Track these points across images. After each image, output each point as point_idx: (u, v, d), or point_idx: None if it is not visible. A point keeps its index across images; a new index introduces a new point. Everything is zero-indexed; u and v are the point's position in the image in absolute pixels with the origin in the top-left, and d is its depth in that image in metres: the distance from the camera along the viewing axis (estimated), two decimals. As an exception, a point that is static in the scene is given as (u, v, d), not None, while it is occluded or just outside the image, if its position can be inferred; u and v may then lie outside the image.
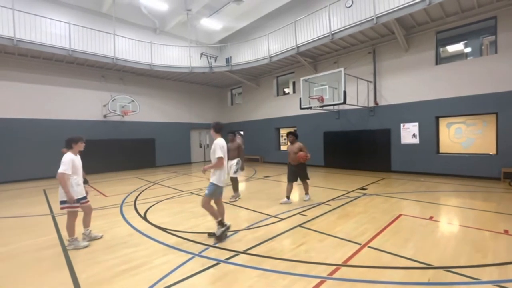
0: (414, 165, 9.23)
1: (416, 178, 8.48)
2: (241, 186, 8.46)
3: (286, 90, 17.56)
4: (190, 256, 3.27)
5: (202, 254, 3.32)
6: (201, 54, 13.88)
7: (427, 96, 8.92)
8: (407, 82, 9.39)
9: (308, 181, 6.05)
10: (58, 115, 11.23)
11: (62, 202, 3.60)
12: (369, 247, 3.38)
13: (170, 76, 14.44)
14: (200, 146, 17.11)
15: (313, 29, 10.96)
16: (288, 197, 5.80)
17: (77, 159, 3.78)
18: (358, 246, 3.40)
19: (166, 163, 14.46)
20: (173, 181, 9.32)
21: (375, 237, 3.70)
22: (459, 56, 11.14)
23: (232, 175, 6.26)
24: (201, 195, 6.80)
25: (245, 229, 4.21)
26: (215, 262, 3.09)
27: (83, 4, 12.01)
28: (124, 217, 5.04)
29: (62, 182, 3.47)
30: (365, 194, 6.45)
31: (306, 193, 6.03)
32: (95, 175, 11.05)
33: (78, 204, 3.69)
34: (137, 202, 6.30)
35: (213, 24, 14.79)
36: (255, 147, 15.62)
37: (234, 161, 6.31)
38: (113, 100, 12.05)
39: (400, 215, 4.66)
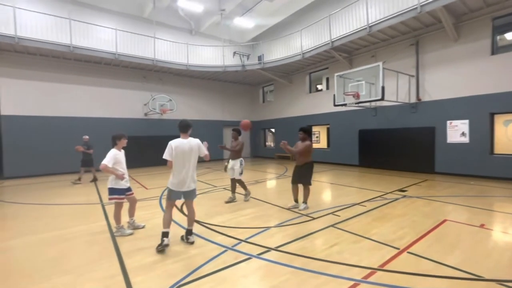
0: (462, 167, 8.39)
1: (464, 181, 7.71)
2: (272, 183, 8.51)
3: (319, 87, 17.11)
4: (223, 249, 3.39)
5: (235, 248, 3.42)
6: (234, 53, 14.13)
7: (480, 90, 8.01)
8: (455, 75, 8.53)
9: (310, 187, 5.20)
10: (105, 114, 12.33)
11: (110, 191, 3.95)
12: (408, 252, 3.18)
13: (205, 76, 14.96)
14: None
15: (349, 22, 10.49)
16: (296, 200, 5.24)
17: (121, 154, 4.08)
18: (396, 251, 3.21)
19: (200, 159, 15.03)
20: (207, 177, 9.69)
21: (416, 242, 3.47)
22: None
23: (236, 176, 5.74)
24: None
25: (275, 226, 4.23)
26: (247, 256, 3.17)
27: (127, 11, 12.97)
28: (163, 209, 5.40)
29: (107, 170, 3.82)
30: (404, 196, 6.05)
31: (304, 201, 5.14)
32: (137, 169, 11.95)
33: (124, 196, 4.03)
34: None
35: (245, 23, 14.95)
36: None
37: (238, 162, 5.75)
38: (153, 99, 12.89)
39: (445, 221, 4.29)
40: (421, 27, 9.02)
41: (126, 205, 4.22)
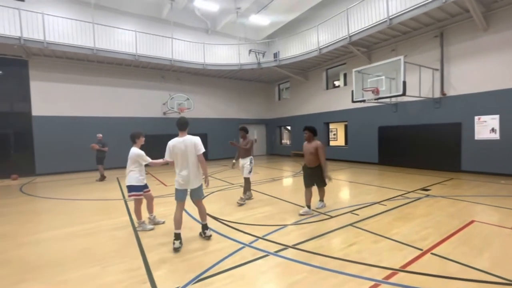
0: (492, 165, 7.90)
1: (494, 179, 7.26)
2: (288, 181, 8.46)
3: (336, 83, 16.77)
4: (241, 245, 3.43)
5: (252, 244, 3.45)
6: (250, 50, 14.14)
7: (512, 83, 7.48)
8: (484, 68, 8.02)
9: (325, 187, 4.98)
10: (126, 113, 12.80)
11: (129, 189, 4.13)
12: (432, 253, 3.05)
13: (221, 74, 15.11)
14: (248, 141, 17.55)
15: (368, 16, 10.15)
16: (308, 206, 4.70)
17: (141, 152, 4.26)
18: (419, 252, 3.10)
19: (216, 156, 15.29)
20: (223, 174, 9.81)
21: (440, 243, 3.32)
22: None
23: (246, 175, 5.62)
24: (251, 189, 7.03)
25: (292, 224, 4.22)
26: (264, 253, 3.18)
27: (145, 13, 13.33)
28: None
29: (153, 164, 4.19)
30: (427, 195, 5.80)
31: (321, 200, 5.06)
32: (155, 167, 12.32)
33: (142, 193, 4.20)
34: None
35: (261, 20, 14.89)
36: (303, 142, 15.31)
37: (247, 160, 5.63)
38: (171, 99, 13.21)
39: (472, 221, 4.07)
40: (446, 18, 8.54)
41: (145, 202, 4.38)
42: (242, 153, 5.69)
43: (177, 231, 3.43)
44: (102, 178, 9.15)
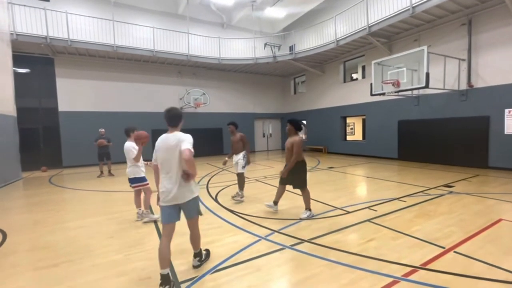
0: (523, 161, 7.43)
1: (525, 177, 6.84)
2: (304, 176, 8.39)
3: (354, 76, 16.29)
4: (257, 238, 3.47)
5: (268, 238, 3.48)
6: (265, 44, 14.01)
7: (549, 73, 6.93)
8: (517, 57, 7.48)
9: (307, 189, 4.29)
10: (144, 108, 13.16)
11: (132, 180, 4.36)
12: (455, 252, 2.94)
13: (236, 68, 15.11)
14: (263, 136, 17.57)
15: (388, 5, 9.70)
16: (275, 202, 4.49)
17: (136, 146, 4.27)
18: (441, 250, 3.00)
19: (232, 151, 15.41)
20: (239, 168, 9.89)
21: (464, 242, 3.19)
22: None
23: (239, 170, 5.37)
24: (265, 183, 7.08)
25: (308, 218, 4.20)
26: (280, 247, 3.21)
27: (162, 9, 13.52)
28: (199, 198, 5.68)
29: (137, 158, 4.20)
30: (451, 192, 5.56)
31: (307, 208, 4.25)
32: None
33: (147, 182, 4.42)
34: (209, 185, 6.98)
35: (276, 13, 14.67)
36: (319, 137, 15.14)
37: (240, 155, 5.38)
38: (187, 94, 13.43)
39: (499, 220, 3.87)
40: (475, 4, 8.00)
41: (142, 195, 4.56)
42: (235, 149, 5.43)
43: (164, 272, 2.37)
44: (102, 174, 9.05)
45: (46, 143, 11.51)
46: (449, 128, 8.95)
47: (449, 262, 2.74)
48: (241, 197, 5.34)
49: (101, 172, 9.13)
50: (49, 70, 11.28)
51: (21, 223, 4.53)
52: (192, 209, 2.64)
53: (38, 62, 11.19)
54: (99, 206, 5.39)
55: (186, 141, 2.49)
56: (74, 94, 11.66)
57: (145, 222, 4.26)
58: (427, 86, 7.62)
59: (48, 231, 4.02)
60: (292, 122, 4.22)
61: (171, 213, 2.52)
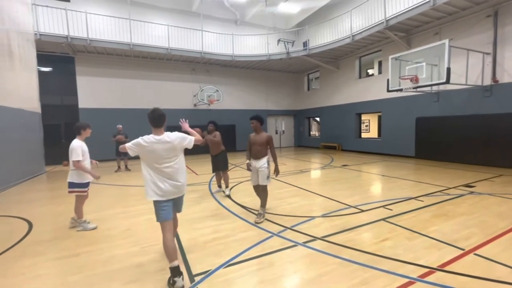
0: (552, 161, 6.99)
1: (554, 177, 6.44)
2: (316, 173, 8.31)
3: (370, 72, 15.86)
4: (270, 234, 3.48)
5: (281, 234, 3.49)
6: (278, 40, 13.87)
7: None
8: (548, 50, 7.01)
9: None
10: (157, 105, 13.34)
11: (71, 185, 3.84)
12: (475, 254, 2.83)
13: (249, 65, 15.10)
14: (276, 133, 17.50)
15: (408, -3, 9.33)
16: (219, 186, 6.05)
17: (85, 146, 3.95)
18: (460, 252, 2.89)
19: (244, 148, 15.48)
20: (251, 165, 9.94)
21: (485, 244, 3.06)
22: None
23: (263, 182, 4.06)
24: (277, 179, 7.07)
25: (321, 216, 4.17)
26: (293, 243, 3.20)
27: (176, 7, 13.68)
28: (212, 194, 5.77)
29: (80, 168, 3.73)
30: (472, 192, 5.34)
31: (227, 186, 5.81)
32: (187, 156, 12.85)
33: (87, 189, 3.96)
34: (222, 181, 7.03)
35: (290, 8, 14.49)
36: (333, 134, 14.91)
37: (264, 161, 4.08)
38: (201, 91, 13.58)
39: (525, 222, 3.68)
40: (503, -6, 7.56)
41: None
42: (258, 152, 4.14)
43: (174, 264, 2.39)
44: (119, 169, 9.32)
45: (68, 139, 11.91)
46: (471, 125, 8.55)
47: (469, 264, 2.64)
48: (263, 217, 4.08)
49: (119, 167, 9.48)
50: (70, 68, 11.73)
51: (45, 214, 4.78)
52: (182, 203, 2.91)
53: (60, 61, 11.66)
54: (117, 200, 5.59)
55: (187, 137, 2.75)
56: (93, 92, 12.07)
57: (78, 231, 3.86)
58: (448, 81, 7.32)
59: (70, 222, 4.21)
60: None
61: (170, 208, 2.65)
